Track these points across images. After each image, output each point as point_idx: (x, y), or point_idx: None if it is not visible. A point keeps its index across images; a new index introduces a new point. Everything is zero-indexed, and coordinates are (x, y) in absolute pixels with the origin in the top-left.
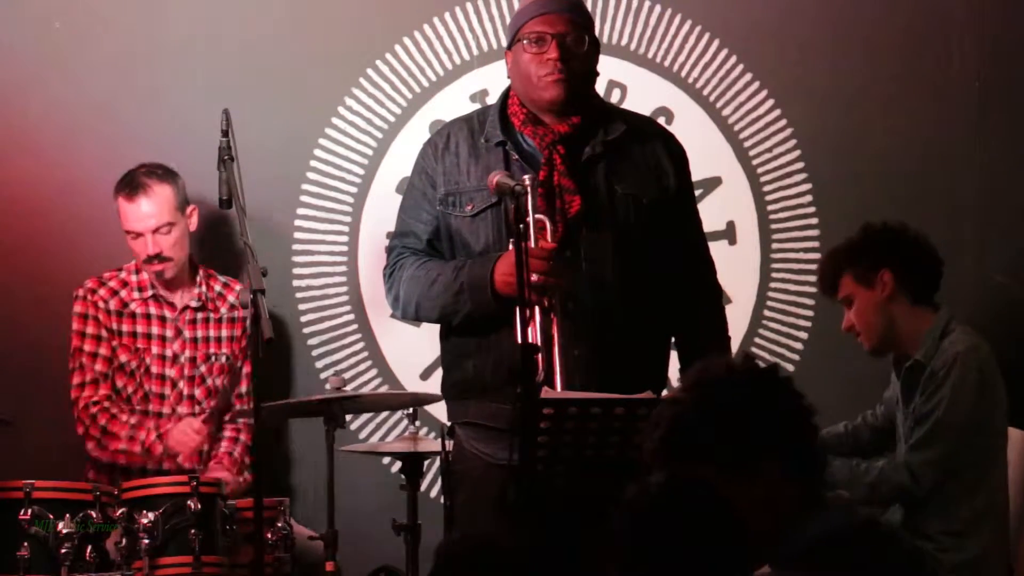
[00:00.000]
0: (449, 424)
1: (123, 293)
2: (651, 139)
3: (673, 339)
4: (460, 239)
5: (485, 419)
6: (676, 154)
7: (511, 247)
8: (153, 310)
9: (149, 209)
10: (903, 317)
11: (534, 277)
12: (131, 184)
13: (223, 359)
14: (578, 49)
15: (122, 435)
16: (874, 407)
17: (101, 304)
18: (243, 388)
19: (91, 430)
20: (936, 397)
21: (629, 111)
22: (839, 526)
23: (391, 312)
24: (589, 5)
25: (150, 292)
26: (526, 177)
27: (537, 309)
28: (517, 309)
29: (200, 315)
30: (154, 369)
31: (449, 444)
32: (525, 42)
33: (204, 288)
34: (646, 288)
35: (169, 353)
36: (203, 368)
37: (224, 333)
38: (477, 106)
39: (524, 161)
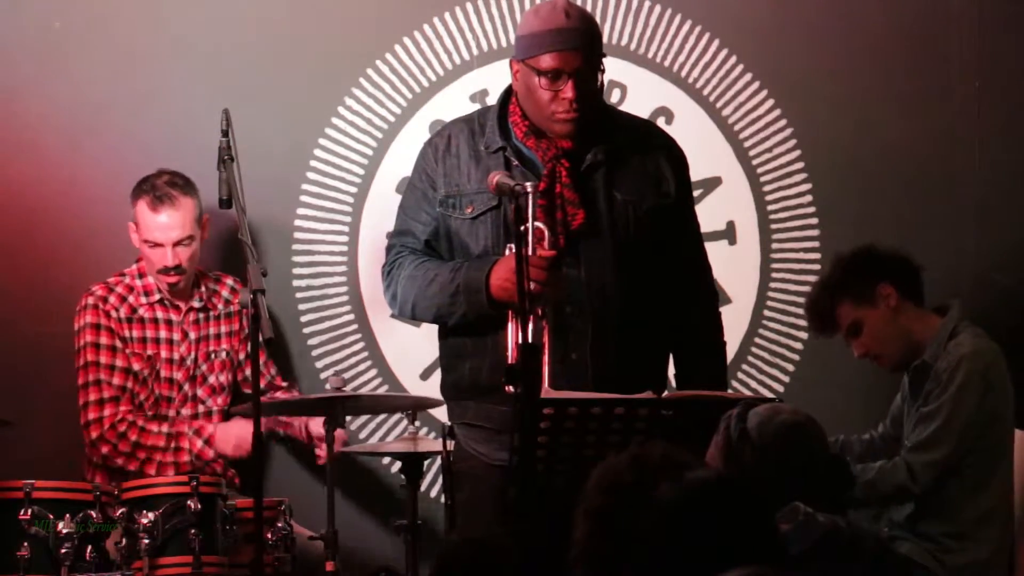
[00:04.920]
0: (449, 424)
1: (131, 299)
2: (652, 146)
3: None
4: (459, 241)
5: (482, 420)
6: (676, 161)
7: (508, 252)
8: (160, 314)
9: (173, 221)
10: (915, 323)
11: (531, 285)
12: (155, 193)
13: (223, 355)
14: (592, 85)
15: (160, 446)
16: (877, 421)
17: (113, 313)
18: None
19: (120, 446)
20: (939, 400)
21: (630, 116)
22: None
23: (390, 311)
24: (589, 5)
25: (156, 296)
26: (528, 184)
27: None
28: (512, 312)
29: (202, 315)
30: (163, 373)
31: (450, 444)
32: (540, 77)
33: (203, 288)
34: (645, 294)
35: (177, 356)
36: (204, 367)
37: (223, 329)
38: (477, 106)
39: (525, 167)
